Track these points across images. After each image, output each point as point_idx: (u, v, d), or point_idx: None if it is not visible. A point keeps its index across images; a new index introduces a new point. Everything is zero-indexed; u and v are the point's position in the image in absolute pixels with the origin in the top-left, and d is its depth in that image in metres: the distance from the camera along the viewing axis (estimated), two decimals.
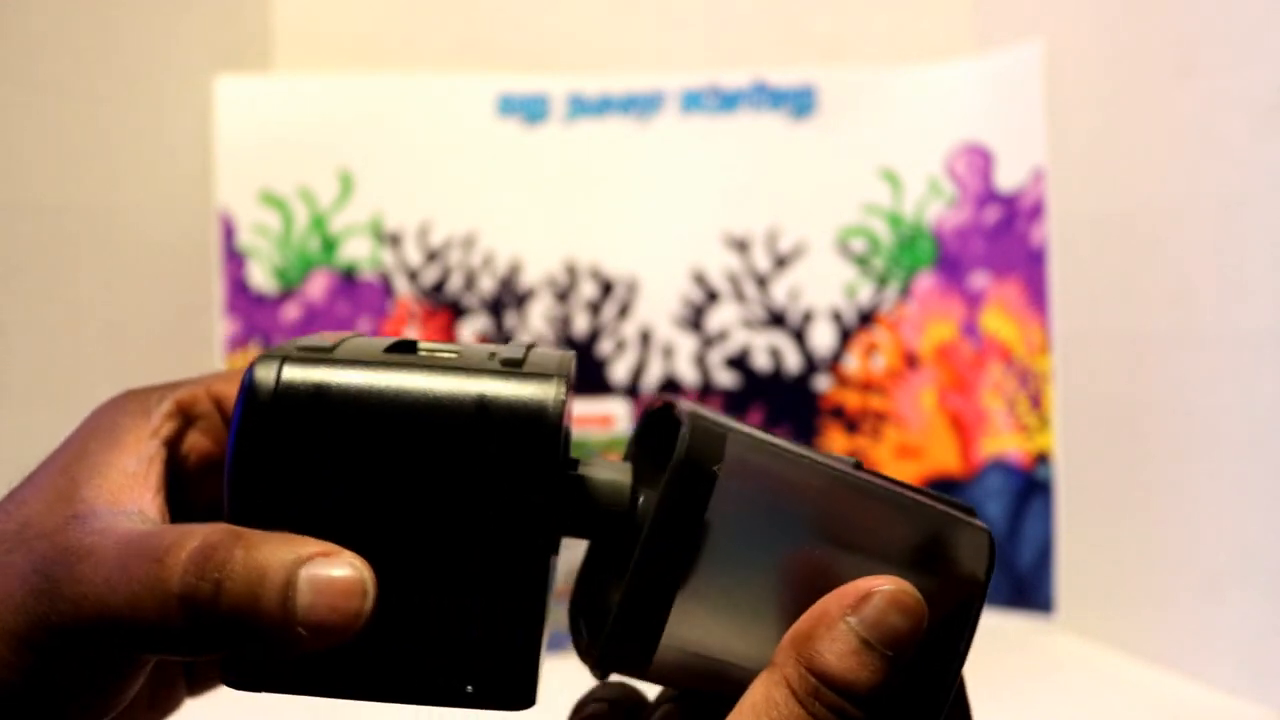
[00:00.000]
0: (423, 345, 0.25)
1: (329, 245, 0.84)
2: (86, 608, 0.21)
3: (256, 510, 0.22)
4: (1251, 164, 0.57)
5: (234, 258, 0.83)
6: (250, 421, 0.22)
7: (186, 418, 0.27)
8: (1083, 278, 0.73)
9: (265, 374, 0.22)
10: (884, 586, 0.23)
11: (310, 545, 0.22)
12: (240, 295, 0.83)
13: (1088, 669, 0.66)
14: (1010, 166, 0.78)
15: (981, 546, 0.25)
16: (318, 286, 0.84)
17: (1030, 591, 0.76)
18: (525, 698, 0.24)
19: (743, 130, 0.83)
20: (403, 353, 0.24)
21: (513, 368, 0.23)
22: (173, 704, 0.29)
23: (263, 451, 0.22)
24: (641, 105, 0.84)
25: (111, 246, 0.71)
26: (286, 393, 0.22)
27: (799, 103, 0.83)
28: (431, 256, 0.84)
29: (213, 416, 0.27)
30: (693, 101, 0.84)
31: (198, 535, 0.22)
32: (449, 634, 0.23)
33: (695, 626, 0.23)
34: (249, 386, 0.22)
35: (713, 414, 0.25)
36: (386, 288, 0.84)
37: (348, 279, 0.84)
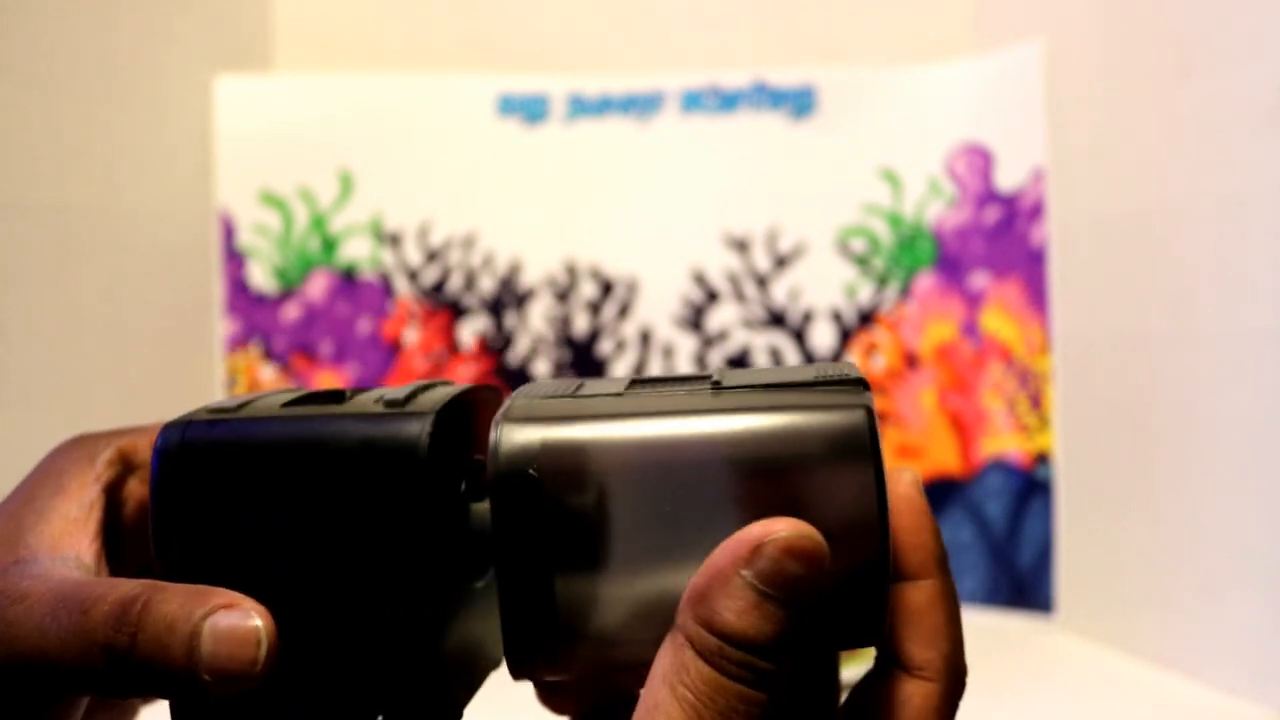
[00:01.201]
0: (341, 392, 0.26)
1: (329, 245, 0.84)
2: (20, 649, 0.23)
3: (178, 559, 0.25)
4: (1251, 164, 0.57)
5: (234, 258, 0.83)
6: (163, 480, 0.25)
7: (128, 465, 0.28)
8: (1083, 278, 0.73)
9: (172, 436, 0.25)
10: (777, 533, 0.22)
11: (216, 597, 0.24)
12: (240, 295, 0.83)
13: (1088, 669, 0.66)
14: (1010, 166, 0.78)
15: (857, 423, 0.23)
16: (318, 286, 0.84)
17: (1030, 591, 0.76)
18: None
19: (743, 130, 0.83)
20: (301, 404, 0.25)
21: (394, 408, 0.24)
22: (128, 714, 0.31)
23: (176, 506, 0.25)
24: (641, 105, 0.84)
25: (111, 246, 0.71)
26: (191, 452, 0.25)
27: (799, 103, 0.83)
28: (431, 256, 0.84)
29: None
30: (693, 101, 0.84)
31: (120, 589, 0.24)
32: (358, 669, 0.24)
33: (599, 615, 0.23)
34: (159, 448, 0.25)
35: (541, 394, 0.25)
36: (386, 288, 0.84)
37: (348, 279, 0.84)
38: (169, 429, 0.25)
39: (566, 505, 0.23)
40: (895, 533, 0.25)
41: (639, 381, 0.26)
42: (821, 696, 0.28)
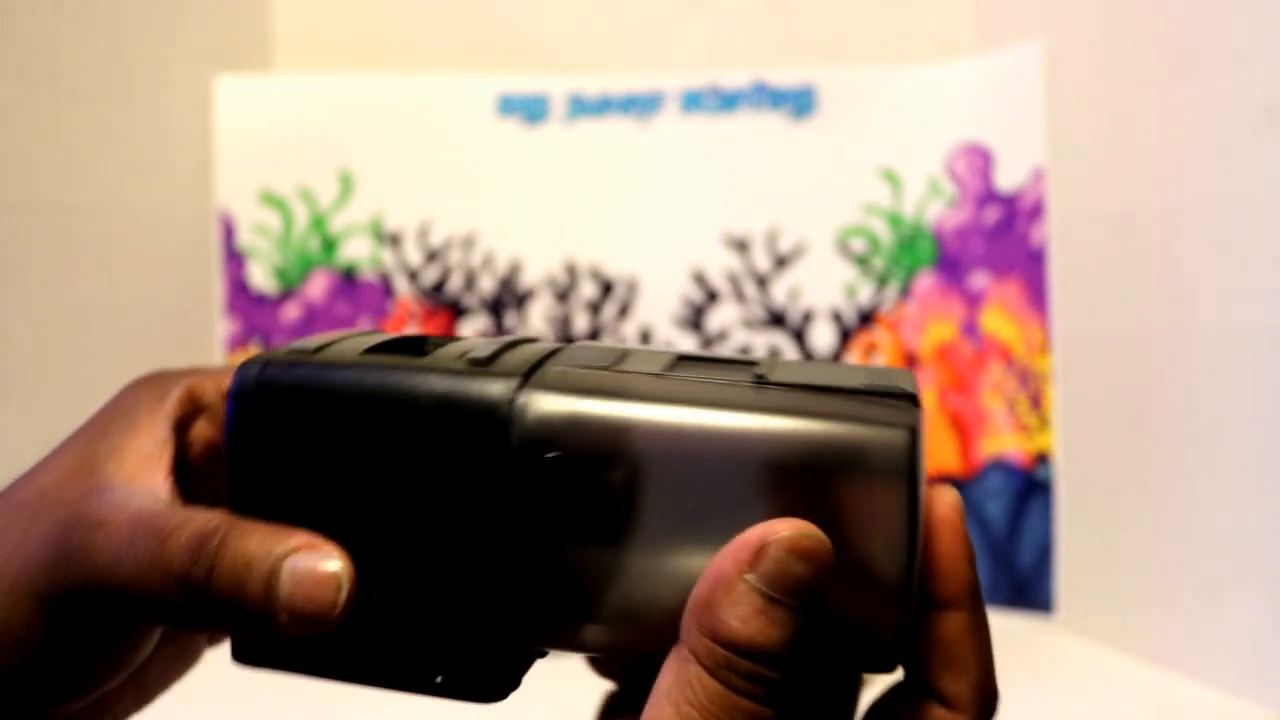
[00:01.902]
0: (423, 339, 0.25)
1: (329, 245, 0.84)
2: (97, 575, 0.23)
3: (251, 498, 0.24)
4: (1251, 164, 0.57)
5: (234, 258, 0.83)
6: (237, 418, 0.24)
7: (196, 406, 0.28)
8: (1083, 278, 0.73)
9: (249, 374, 0.24)
10: (780, 534, 0.21)
11: (296, 538, 0.23)
12: (240, 295, 0.83)
13: (1088, 669, 0.66)
14: (1010, 166, 0.78)
15: (900, 444, 0.22)
16: (318, 286, 0.84)
17: (1030, 591, 0.76)
18: (494, 691, 0.24)
19: (743, 130, 0.83)
20: (382, 352, 0.25)
21: (478, 366, 0.24)
22: (193, 654, 0.31)
23: (251, 446, 0.24)
24: (641, 105, 0.84)
25: (111, 246, 0.71)
26: (267, 393, 0.24)
27: (799, 103, 0.83)
28: (431, 256, 0.84)
29: (218, 407, 0.28)
30: (693, 101, 0.84)
31: (198, 520, 0.23)
32: (425, 624, 0.24)
33: (611, 598, 0.23)
34: (235, 386, 0.24)
35: (581, 363, 0.24)
36: (386, 288, 0.84)
37: (348, 279, 0.84)
38: (246, 366, 0.24)
39: (588, 483, 0.23)
40: (932, 558, 0.24)
41: (685, 359, 0.25)
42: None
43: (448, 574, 0.23)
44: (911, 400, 0.23)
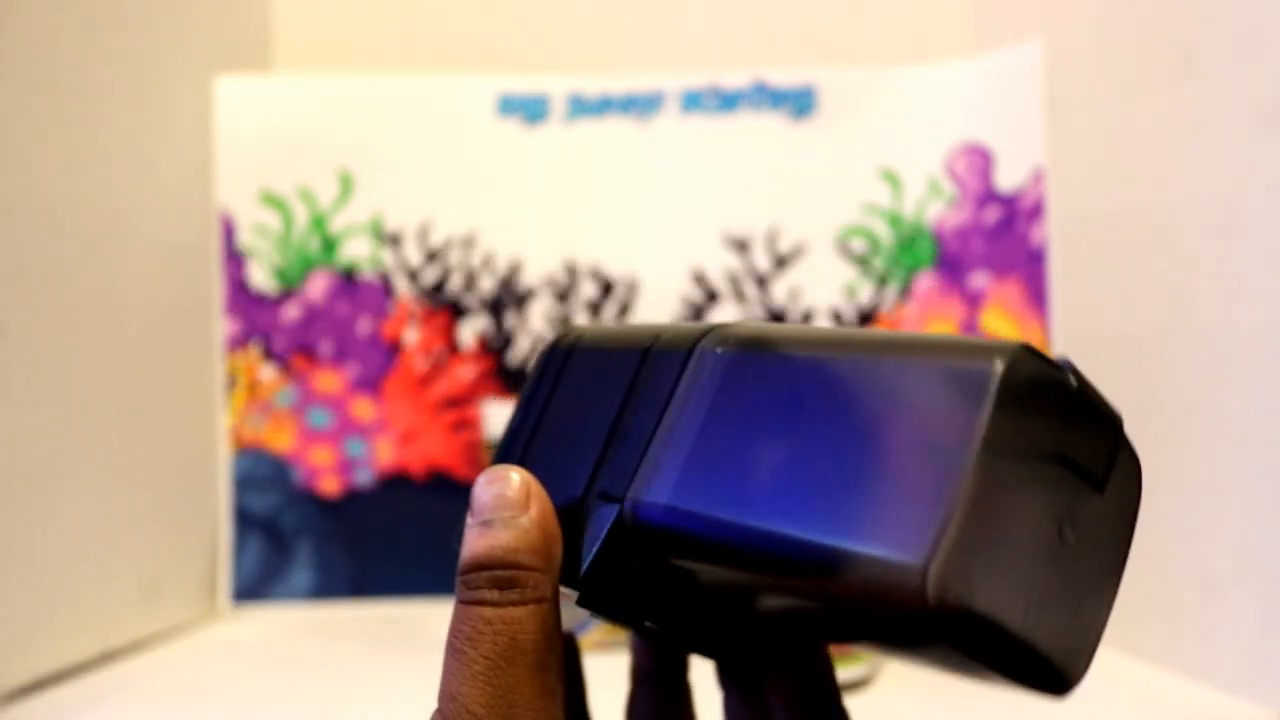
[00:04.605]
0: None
1: (329, 245, 0.84)
2: None
3: None
4: (1251, 164, 0.57)
5: (234, 258, 0.83)
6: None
7: None
8: (1083, 278, 0.73)
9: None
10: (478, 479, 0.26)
11: None
12: (240, 295, 0.83)
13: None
14: (1010, 166, 0.78)
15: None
16: (318, 286, 0.84)
17: None
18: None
19: (743, 130, 0.83)
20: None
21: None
22: None
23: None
24: (641, 105, 0.84)
25: (111, 246, 0.71)
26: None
27: (799, 103, 0.83)
28: (431, 256, 0.84)
29: None
30: (693, 101, 0.84)
31: None
32: None
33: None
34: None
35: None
36: (386, 288, 0.84)
37: (348, 279, 0.84)
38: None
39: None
40: None
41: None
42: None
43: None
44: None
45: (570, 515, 0.27)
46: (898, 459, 0.21)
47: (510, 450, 0.32)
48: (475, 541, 0.25)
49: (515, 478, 0.26)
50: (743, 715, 0.31)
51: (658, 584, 0.26)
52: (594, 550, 0.26)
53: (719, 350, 0.26)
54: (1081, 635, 0.23)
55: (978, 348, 0.21)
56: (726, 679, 0.31)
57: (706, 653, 0.30)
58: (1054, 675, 0.23)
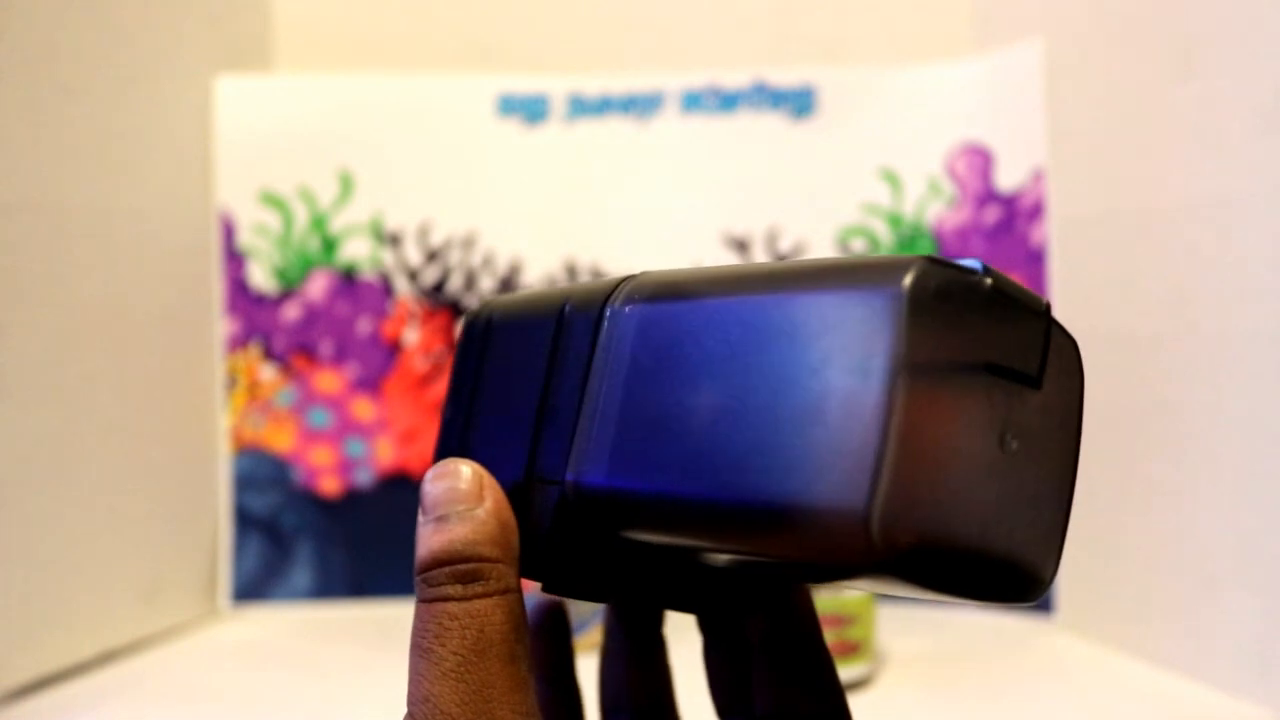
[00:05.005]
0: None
1: (329, 245, 0.84)
2: None
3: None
4: (1251, 164, 0.57)
5: (234, 258, 0.83)
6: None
7: None
8: (1083, 278, 0.73)
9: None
10: (426, 476, 0.26)
11: None
12: (240, 295, 0.83)
13: (1088, 669, 0.66)
14: (1010, 166, 0.78)
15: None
16: (318, 286, 0.84)
17: None
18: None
19: (743, 130, 0.83)
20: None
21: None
22: None
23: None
24: (641, 105, 0.84)
25: (111, 246, 0.71)
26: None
27: (799, 103, 0.83)
28: (431, 256, 0.84)
29: None
30: (693, 101, 0.84)
31: None
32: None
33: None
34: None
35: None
36: (386, 288, 0.84)
37: (348, 279, 0.84)
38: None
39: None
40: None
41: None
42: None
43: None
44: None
45: (516, 501, 0.27)
46: (821, 398, 0.20)
47: (448, 441, 0.31)
48: (431, 538, 0.25)
49: (466, 470, 0.26)
50: (723, 657, 0.31)
51: (612, 560, 0.26)
52: (543, 537, 0.26)
53: (627, 309, 0.25)
54: (1045, 537, 0.22)
55: (881, 267, 0.20)
56: (705, 624, 0.31)
57: (679, 608, 0.30)
58: (1022, 583, 0.22)
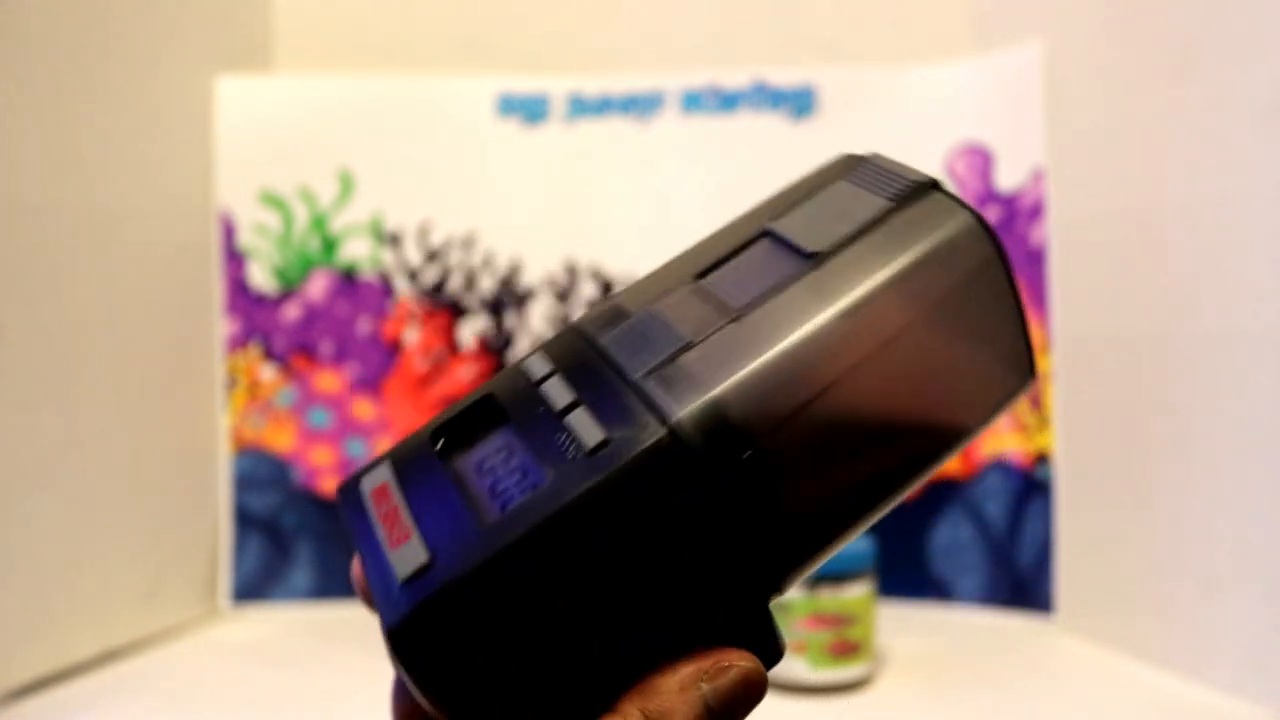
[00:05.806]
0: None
1: (329, 245, 0.84)
2: None
3: None
4: (1251, 164, 0.57)
5: (234, 258, 0.83)
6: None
7: None
8: (1083, 278, 0.73)
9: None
10: (738, 664, 0.24)
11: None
12: (240, 295, 0.83)
13: (1088, 669, 0.66)
14: (1010, 166, 0.78)
15: (968, 228, 0.27)
16: (318, 286, 0.84)
17: (1030, 591, 0.76)
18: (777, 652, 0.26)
19: (743, 130, 0.83)
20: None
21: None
22: None
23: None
24: (641, 105, 0.84)
25: (111, 246, 0.71)
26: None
27: (799, 103, 0.83)
28: (431, 256, 0.84)
29: None
30: (693, 101, 0.84)
31: None
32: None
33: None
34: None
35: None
36: (386, 288, 0.84)
37: (348, 279, 0.84)
38: None
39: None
40: None
41: (703, 274, 0.28)
42: None
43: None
44: (932, 185, 0.27)
45: None
46: None
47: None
48: None
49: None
50: None
51: None
52: None
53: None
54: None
55: None
56: None
57: None
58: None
